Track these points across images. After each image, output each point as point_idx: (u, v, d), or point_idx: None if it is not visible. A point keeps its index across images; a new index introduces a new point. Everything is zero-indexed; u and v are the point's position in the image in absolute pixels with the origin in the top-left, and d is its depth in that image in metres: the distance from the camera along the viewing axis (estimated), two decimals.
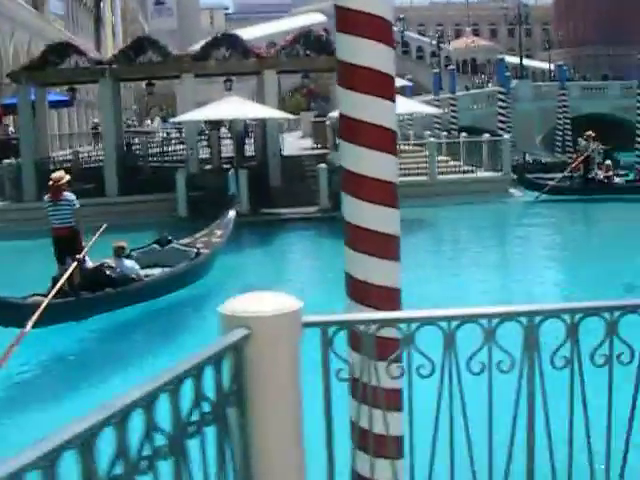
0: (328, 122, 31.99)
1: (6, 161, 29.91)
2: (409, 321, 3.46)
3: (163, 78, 32.09)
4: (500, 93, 40.96)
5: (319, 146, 35.20)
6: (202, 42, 30.62)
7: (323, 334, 3.37)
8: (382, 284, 4.01)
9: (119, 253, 15.25)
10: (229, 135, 32.90)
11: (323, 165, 27.08)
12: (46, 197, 15.07)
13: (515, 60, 71.39)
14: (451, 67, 48.38)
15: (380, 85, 4.01)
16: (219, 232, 19.10)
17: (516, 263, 21.05)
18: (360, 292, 4.06)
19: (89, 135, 46.87)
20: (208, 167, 30.39)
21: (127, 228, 22.48)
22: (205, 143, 32.22)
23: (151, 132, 42.17)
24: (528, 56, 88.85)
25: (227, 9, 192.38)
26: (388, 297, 4.04)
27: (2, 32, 41.02)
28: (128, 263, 15.32)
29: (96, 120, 57.09)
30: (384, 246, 4.10)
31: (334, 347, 3.38)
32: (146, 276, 15.64)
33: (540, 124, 52.63)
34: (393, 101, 4.09)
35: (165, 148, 33.31)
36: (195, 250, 17.28)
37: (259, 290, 3.24)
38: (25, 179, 28.90)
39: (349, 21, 3.93)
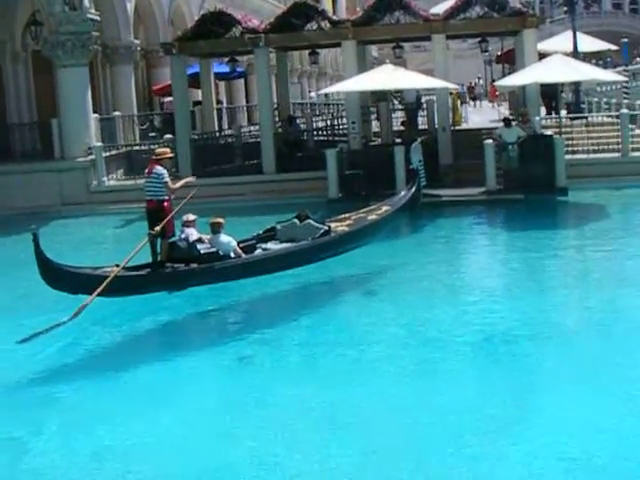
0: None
1: (167, 136, 28.65)
2: None
3: (325, 46, 29.78)
4: None
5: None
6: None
7: None
8: None
9: (215, 229, 14.96)
10: (400, 107, 30.30)
11: (489, 141, 23.98)
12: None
13: None
14: None
15: None
16: (383, 209, 17.38)
17: None
18: None
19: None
20: (375, 142, 27.93)
21: (276, 209, 21.44)
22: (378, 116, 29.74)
23: (316, 104, 39.95)
24: None
25: None
26: None
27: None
28: (224, 239, 14.85)
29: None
30: None
31: None
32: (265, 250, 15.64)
33: None
34: None
35: (335, 121, 31.10)
36: (324, 228, 15.86)
37: None
38: (180, 155, 27.45)
39: None
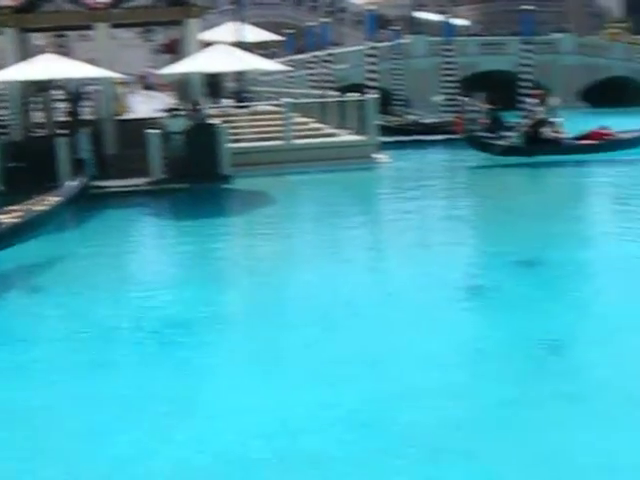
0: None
1: None
2: None
3: None
4: (372, 49, 37.92)
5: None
6: None
7: None
8: None
9: None
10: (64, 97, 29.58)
11: (153, 131, 24.02)
12: None
13: (430, 17, 68.26)
14: (324, 20, 44.35)
15: None
16: (52, 200, 17.16)
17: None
18: None
19: None
20: (38, 133, 27.14)
21: None
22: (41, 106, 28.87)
23: None
24: (442, 12, 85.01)
25: None
26: None
27: None
28: None
29: None
30: None
31: None
32: None
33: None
34: None
35: None
36: None
37: None
38: None
39: None
